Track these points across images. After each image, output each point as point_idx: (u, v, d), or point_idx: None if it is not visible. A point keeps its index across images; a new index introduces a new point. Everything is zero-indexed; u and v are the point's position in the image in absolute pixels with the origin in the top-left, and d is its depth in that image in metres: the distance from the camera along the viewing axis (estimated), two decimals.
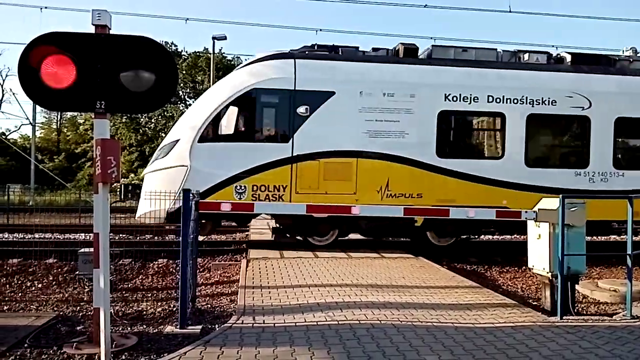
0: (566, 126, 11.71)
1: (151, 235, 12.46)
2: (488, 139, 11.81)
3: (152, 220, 10.21)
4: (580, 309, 6.96)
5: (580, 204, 6.28)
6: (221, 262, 9.88)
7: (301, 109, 10.18)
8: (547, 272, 6.41)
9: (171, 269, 9.24)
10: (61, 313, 6.21)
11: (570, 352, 4.63)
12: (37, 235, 11.95)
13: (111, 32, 4.84)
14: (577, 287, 6.85)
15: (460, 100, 10.83)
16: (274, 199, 10.15)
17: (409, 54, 11.40)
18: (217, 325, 5.58)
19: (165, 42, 10.32)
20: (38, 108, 30.14)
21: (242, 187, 9.92)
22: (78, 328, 5.59)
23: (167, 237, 12.78)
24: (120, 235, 12.43)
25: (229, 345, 4.69)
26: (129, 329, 5.58)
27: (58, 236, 12.41)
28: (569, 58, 11.93)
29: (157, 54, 4.71)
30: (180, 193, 9.33)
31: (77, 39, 4.62)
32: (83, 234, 12.74)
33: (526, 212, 6.42)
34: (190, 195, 5.72)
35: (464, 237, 11.77)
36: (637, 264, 8.01)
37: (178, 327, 5.41)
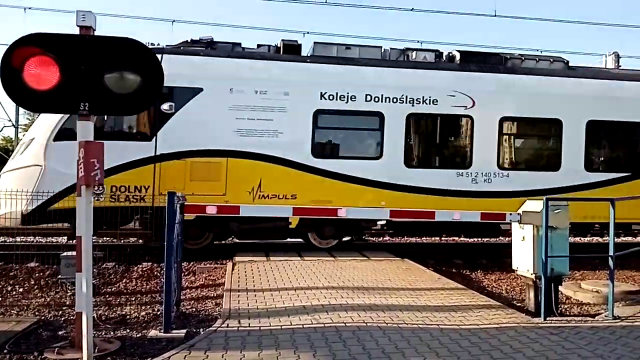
0: (448, 126, 11.40)
1: (135, 239, 12.32)
2: (366, 139, 11.34)
3: (9, 222, 9.62)
4: (563, 310, 7.04)
5: (563, 206, 6.36)
6: (206, 265, 9.80)
7: (165, 106, 9.70)
8: (531, 274, 6.47)
9: (155, 273, 9.14)
10: (42, 318, 6.11)
11: (554, 352, 4.68)
12: (18, 239, 11.75)
13: (96, 33, 4.81)
14: (560, 288, 6.93)
15: (336, 99, 10.58)
16: (134, 200, 9.82)
17: (290, 51, 11.10)
18: (202, 329, 5.53)
19: (152, 43, 10.23)
20: (21, 110, 29.99)
21: (100, 189, 9.55)
22: (60, 333, 5.50)
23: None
24: (104, 238, 12.27)
25: (213, 349, 4.66)
26: (112, 333, 5.51)
27: (40, 239, 12.22)
28: (458, 56, 11.75)
29: (142, 55, 4.67)
30: (35, 194, 9.16)
31: (60, 40, 4.56)
32: (65, 237, 12.56)
33: (510, 214, 6.48)
34: (175, 198, 5.68)
35: (347, 238, 11.66)
36: (619, 265, 8.14)
37: (162, 331, 5.35)
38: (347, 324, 5.42)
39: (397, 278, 8.01)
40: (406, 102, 10.81)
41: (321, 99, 10.55)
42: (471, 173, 11.00)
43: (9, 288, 7.88)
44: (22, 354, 4.73)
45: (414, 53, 11.69)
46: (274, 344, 4.79)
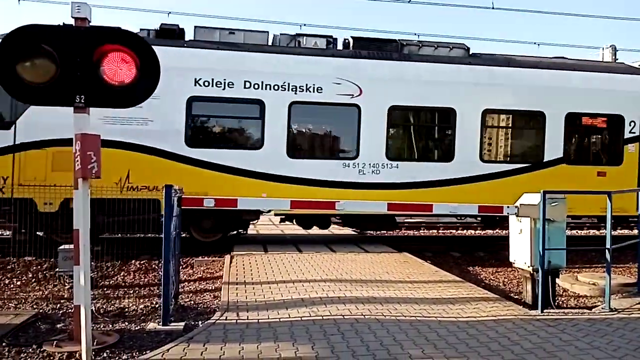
0: (333, 115, 10.87)
1: (132, 232, 12.29)
2: (246, 127, 10.89)
3: None
4: (560, 302, 7.08)
5: (561, 199, 6.37)
6: (204, 259, 9.81)
7: None
8: (529, 266, 6.50)
9: (153, 266, 9.15)
10: (41, 311, 6.10)
11: (551, 344, 4.70)
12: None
13: (91, 24, 4.77)
14: (557, 280, 6.96)
15: (212, 86, 10.14)
16: None
17: (167, 36, 10.47)
18: (200, 322, 5.53)
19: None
20: None
21: None
22: (58, 326, 5.49)
23: (149, 234, 12.63)
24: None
25: (212, 341, 4.67)
26: (110, 326, 5.50)
27: (38, 232, 12.18)
28: (351, 43, 11.27)
29: (138, 47, 4.63)
30: None
31: (56, 32, 4.52)
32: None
33: (508, 207, 6.49)
34: (173, 191, 5.66)
35: (234, 232, 11.35)
36: (616, 257, 8.17)
37: (161, 324, 5.35)
38: (345, 317, 5.43)
39: (395, 271, 8.03)
40: (288, 90, 10.36)
41: (195, 85, 10.10)
42: (358, 164, 10.63)
43: (7, 281, 7.88)
44: (20, 346, 4.72)
45: (305, 39, 11.14)
46: (272, 337, 4.79)
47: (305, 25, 23.49)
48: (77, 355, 4.46)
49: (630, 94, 11.53)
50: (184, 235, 10.72)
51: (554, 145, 11.23)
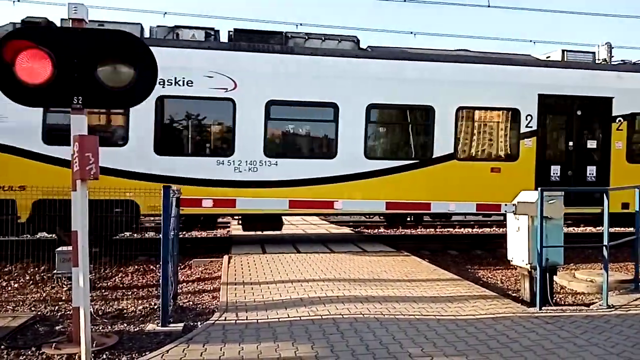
0: (206, 109, 10.33)
1: (130, 233, 12.28)
2: (110, 123, 10.25)
3: None
4: (558, 300, 7.10)
5: (558, 196, 6.39)
6: (202, 259, 9.79)
7: None
8: (526, 264, 6.52)
9: (151, 267, 9.14)
10: (39, 313, 6.08)
11: (550, 341, 4.72)
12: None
13: (88, 26, 4.77)
14: (555, 278, 6.98)
15: None
16: None
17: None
18: (199, 323, 5.53)
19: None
20: None
21: None
22: (57, 328, 5.48)
23: (146, 235, 12.63)
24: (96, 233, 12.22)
25: (212, 342, 4.67)
26: (109, 327, 5.50)
27: (36, 235, 12.14)
28: (232, 35, 10.82)
29: (136, 48, 4.63)
30: None
31: (53, 33, 4.53)
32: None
33: (506, 205, 6.51)
34: (171, 191, 5.66)
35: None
36: (613, 254, 8.20)
37: (160, 325, 5.35)
38: (344, 316, 5.44)
39: (393, 270, 8.04)
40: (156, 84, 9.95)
41: None
42: (233, 161, 10.14)
43: (4, 284, 7.85)
44: (19, 349, 4.71)
45: (182, 31, 10.59)
46: (272, 337, 4.80)
47: (301, 24, 23.40)
48: (76, 357, 4.46)
49: (527, 87, 11.16)
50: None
51: (443, 140, 10.86)
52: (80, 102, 4.58)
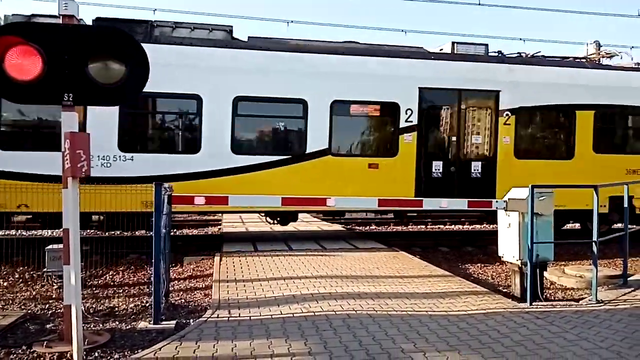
0: None
1: (120, 231, 12.21)
2: None
3: None
4: (548, 295, 7.16)
5: (548, 193, 6.45)
6: (193, 257, 9.77)
7: None
8: (517, 260, 6.58)
9: (142, 265, 9.10)
10: (29, 311, 6.04)
11: (540, 336, 4.77)
12: (0, 233, 11.56)
13: (79, 22, 4.73)
14: (545, 273, 7.05)
15: None
16: None
17: None
18: (192, 320, 5.53)
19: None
20: None
21: None
22: (48, 326, 5.44)
23: (137, 232, 12.55)
24: (89, 231, 12.15)
25: (204, 339, 4.66)
26: (100, 325, 5.47)
27: (23, 233, 12.05)
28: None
29: (126, 45, 4.60)
30: None
31: (43, 29, 4.49)
32: (49, 231, 12.41)
33: (497, 201, 6.56)
34: (162, 189, 5.63)
35: None
36: (601, 250, 8.29)
37: (152, 322, 5.33)
38: (337, 312, 5.45)
39: (385, 266, 8.07)
40: None
41: None
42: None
43: None
44: (10, 347, 4.68)
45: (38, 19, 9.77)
46: (265, 334, 4.80)
47: (292, 22, 23.36)
48: (68, 355, 4.44)
49: (406, 80, 10.73)
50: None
51: (317, 135, 10.41)
52: (70, 99, 4.54)
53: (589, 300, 6.32)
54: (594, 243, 6.39)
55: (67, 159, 4.24)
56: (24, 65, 4.42)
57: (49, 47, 4.41)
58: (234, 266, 8.05)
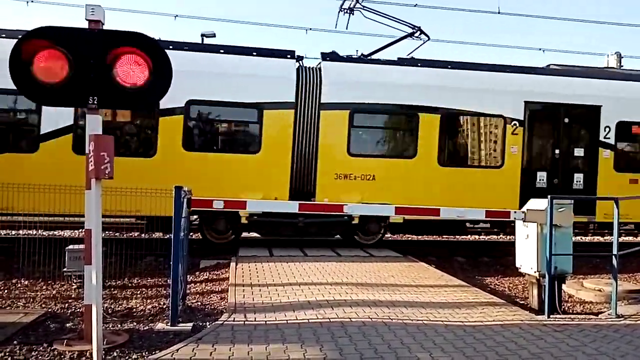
0: None
1: (139, 233, 12.36)
2: None
3: None
4: (566, 308, 7.07)
5: (567, 204, 6.38)
6: (210, 260, 9.83)
7: None
8: (535, 272, 6.51)
9: (160, 267, 9.18)
10: (50, 310, 6.14)
11: (558, 349, 4.71)
12: (21, 232, 11.77)
13: (104, 27, 4.84)
14: (563, 286, 6.96)
15: None
16: None
17: None
18: (208, 323, 5.56)
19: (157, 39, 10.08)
20: None
21: None
22: (67, 325, 5.53)
23: (154, 235, 12.68)
24: (107, 232, 12.32)
25: (221, 342, 4.70)
26: (119, 326, 5.54)
27: (43, 233, 12.24)
28: None
29: (151, 50, 4.69)
30: None
31: (70, 34, 4.60)
32: (69, 231, 12.60)
33: (515, 212, 6.51)
34: (182, 192, 5.70)
35: None
36: (621, 264, 8.16)
37: (169, 324, 5.39)
38: (352, 319, 5.45)
39: (401, 275, 8.05)
40: None
41: None
42: None
43: (14, 280, 7.92)
44: (31, 344, 4.76)
45: None
46: (280, 338, 4.82)
47: (311, 29, 23.48)
48: (87, 354, 4.51)
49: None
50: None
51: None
52: (95, 102, 4.65)
53: (609, 314, 6.22)
54: (613, 256, 6.30)
55: (91, 161, 4.33)
56: (51, 68, 4.55)
57: (76, 51, 4.52)
58: (249, 271, 8.10)
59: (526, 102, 11.30)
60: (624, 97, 11.68)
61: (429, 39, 12.41)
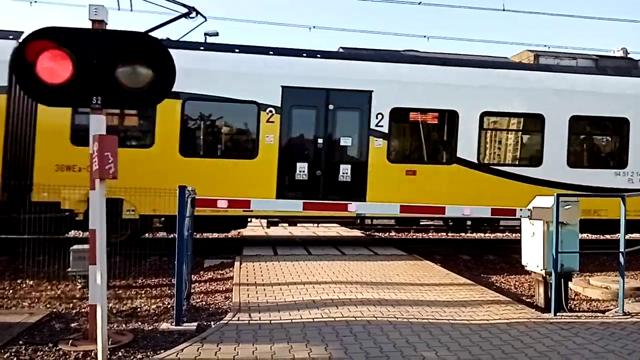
0: None
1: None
2: None
3: None
4: (573, 306, 7.02)
5: (574, 202, 6.34)
6: (214, 260, 9.83)
7: None
8: (541, 270, 6.46)
9: (164, 266, 9.19)
10: (54, 310, 6.15)
11: (565, 347, 4.68)
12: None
13: (107, 27, 4.83)
14: (569, 284, 6.92)
15: None
16: None
17: None
18: (212, 322, 5.56)
19: (161, 38, 10.04)
20: None
21: None
22: (72, 325, 5.53)
23: (158, 234, 12.71)
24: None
25: (225, 342, 4.69)
26: (123, 326, 5.54)
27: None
28: None
29: (154, 49, 4.68)
30: None
31: (74, 34, 4.59)
32: (73, 231, 12.62)
33: (521, 210, 6.47)
34: (186, 191, 5.69)
35: None
36: (628, 261, 8.12)
37: (174, 324, 5.39)
38: (357, 318, 5.43)
39: (406, 273, 8.02)
40: None
41: None
42: None
43: (19, 281, 7.95)
44: (36, 344, 4.77)
45: None
46: (285, 337, 4.81)
47: (314, 27, 23.41)
48: (92, 354, 4.50)
49: None
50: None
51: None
52: (99, 103, 4.64)
53: (615, 312, 6.18)
54: (620, 254, 6.26)
55: (95, 161, 4.32)
56: (55, 69, 4.54)
57: (79, 51, 4.51)
58: (254, 270, 8.09)
59: (283, 87, 10.26)
60: (400, 80, 10.77)
61: (205, 19, 11.36)
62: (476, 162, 10.95)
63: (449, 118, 11.00)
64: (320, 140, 10.56)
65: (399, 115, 10.80)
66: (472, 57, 11.96)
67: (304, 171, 10.44)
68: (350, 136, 10.72)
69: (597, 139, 12.30)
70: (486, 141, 11.39)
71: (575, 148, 11.62)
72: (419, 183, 10.61)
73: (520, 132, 11.68)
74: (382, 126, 10.56)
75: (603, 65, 12.15)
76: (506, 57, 12.69)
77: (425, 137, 11.12)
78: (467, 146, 10.92)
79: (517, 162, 11.52)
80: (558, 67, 11.87)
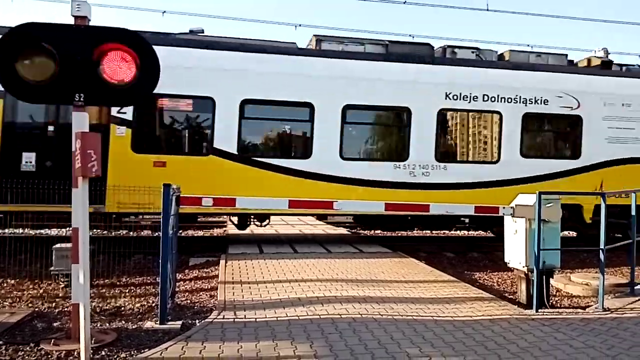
0: None
1: (127, 231, 12.26)
2: None
3: None
4: (554, 302, 7.14)
5: (555, 200, 6.43)
6: (199, 258, 9.79)
7: None
8: (523, 267, 6.55)
9: (148, 265, 9.13)
10: (36, 309, 6.07)
11: (547, 343, 4.76)
12: (7, 231, 11.62)
13: (91, 23, 4.77)
14: (551, 281, 7.02)
15: None
16: None
17: None
18: (197, 321, 5.54)
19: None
20: None
21: None
22: (55, 324, 5.48)
23: (143, 232, 12.61)
24: (95, 230, 12.20)
25: (210, 340, 4.68)
26: (107, 324, 5.50)
27: (30, 232, 12.10)
28: None
29: (138, 46, 4.64)
30: None
31: (56, 30, 4.52)
32: (56, 230, 12.46)
33: (504, 207, 6.55)
34: (170, 190, 5.65)
35: None
36: (608, 258, 8.26)
37: (158, 322, 5.36)
38: (342, 316, 5.46)
39: (391, 271, 8.07)
40: None
41: None
42: None
43: (0, 280, 7.83)
44: (17, 344, 4.71)
45: None
46: (270, 335, 4.81)
47: (300, 25, 23.43)
48: (75, 353, 4.46)
49: None
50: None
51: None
52: (82, 99, 4.59)
53: (596, 308, 6.29)
54: (601, 251, 6.37)
55: (77, 159, 4.27)
56: (37, 66, 4.47)
57: (62, 48, 4.45)
58: (239, 268, 8.07)
59: None
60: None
61: None
62: (236, 153, 10.25)
63: (204, 106, 10.15)
64: (50, 128, 9.38)
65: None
66: (244, 40, 10.86)
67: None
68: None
69: (375, 129, 11.47)
70: (249, 131, 10.56)
71: (350, 139, 10.86)
72: (169, 175, 9.28)
73: (288, 122, 10.82)
74: (124, 113, 9.26)
75: (393, 51, 11.34)
76: (294, 43, 11.19)
77: (177, 126, 10.47)
78: (225, 136, 10.16)
79: (283, 154, 10.80)
80: (335, 53, 10.94)
